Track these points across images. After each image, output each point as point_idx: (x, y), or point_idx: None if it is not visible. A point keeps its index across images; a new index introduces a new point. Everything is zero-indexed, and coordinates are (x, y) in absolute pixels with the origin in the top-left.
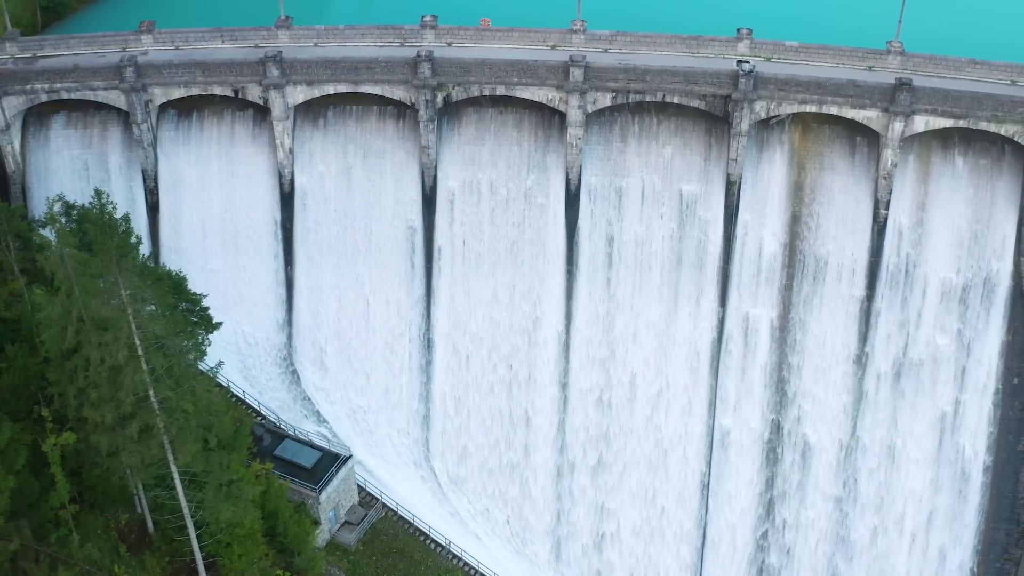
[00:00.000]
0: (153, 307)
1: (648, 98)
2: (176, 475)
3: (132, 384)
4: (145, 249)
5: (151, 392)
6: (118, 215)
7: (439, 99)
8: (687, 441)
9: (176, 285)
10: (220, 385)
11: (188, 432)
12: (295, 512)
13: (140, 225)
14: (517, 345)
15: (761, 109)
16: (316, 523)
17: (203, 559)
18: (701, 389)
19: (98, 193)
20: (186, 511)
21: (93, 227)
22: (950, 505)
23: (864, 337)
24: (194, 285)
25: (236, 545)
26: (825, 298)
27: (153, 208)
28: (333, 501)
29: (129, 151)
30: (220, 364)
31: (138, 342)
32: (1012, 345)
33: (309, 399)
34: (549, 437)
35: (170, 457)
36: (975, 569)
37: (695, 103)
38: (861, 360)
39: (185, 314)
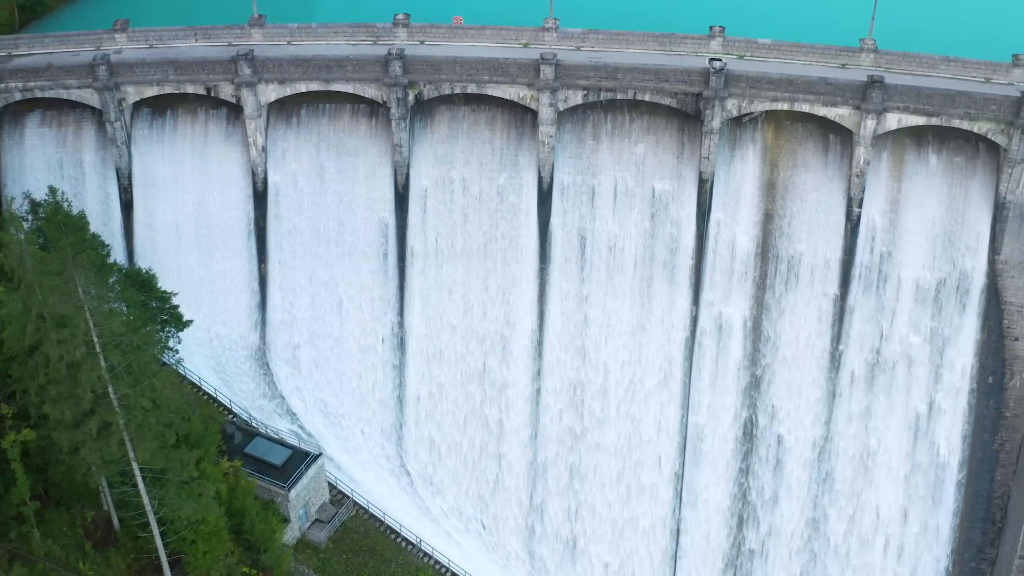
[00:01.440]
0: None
1: (619, 96)
2: (137, 472)
3: (90, 381)
4: (119, 247)
5: (110, 389)
6: (90, 213)
7: (411, 97)
8: (661, 439)
9: (145, 283)
10: (192, 383)
11: (147, 429)
12: (262, 510)
13: (114, 223)
14: (490, 343)
15: (733, 107)
16: (286, 521)
17: (168, 556)
18: (674, 388)
19: (52, 191)
20: (148, 508)
21: (47, 224)
22: (925, 504)
23: (838, 336)
24: (168, 283)
25: (201, 542)
26: (798, 297)
27: (127, 206)
28: (303, 499)
29: (103, 150)
30: (179, 360)
31: (96, 339)
32: (987, 344)
33: (282, 397)
34: (522, 435)
35: (131, 454)
36: (950, 568)
37: (666, 101)
38: (835, 359)
39: (153, 311)
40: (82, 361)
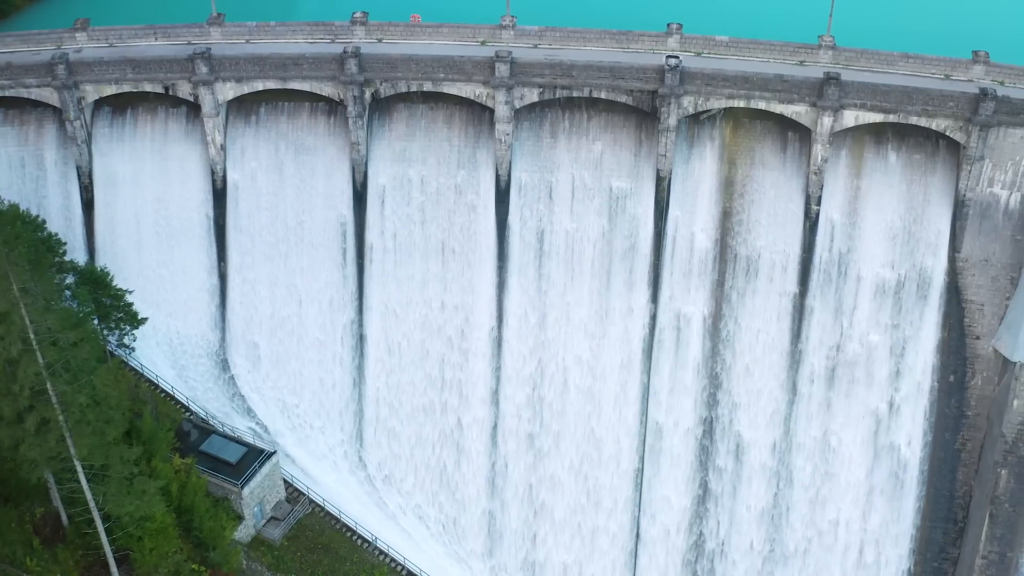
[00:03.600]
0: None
1: (575, 93)
2: (79, 468)
3: (27, 378)
4: (80, 245)
5: (48, 385)
6: (52, 211)
7: (367, 95)
8: (620, 438)
9: (98, 280)
10: (149, 380)
11: (85, 425)
12: (212, 507)
13: (75, 222)
14: (449, 341)
15: (689, 104)
16: (240, 518)
17: (116, 552)
18: (634, 386)
19: None
20: (92, 505)
21: None
22: (886, 504)
23: (797, 334)
24: (129, 281)
25: (147, 539)
26: (757, 294)
27: (88, 205)
28: (257, 496)
29: (64, 148)
30: (113, 356)
31: (32, 336)
32: (948, 342)
33: (242, 395)
34: (482, 432)
35: (71, 450)
36: (912, 568)
37: (622, 98)
38: (795, 357)
39: (107, 308)
40: (19, 358)
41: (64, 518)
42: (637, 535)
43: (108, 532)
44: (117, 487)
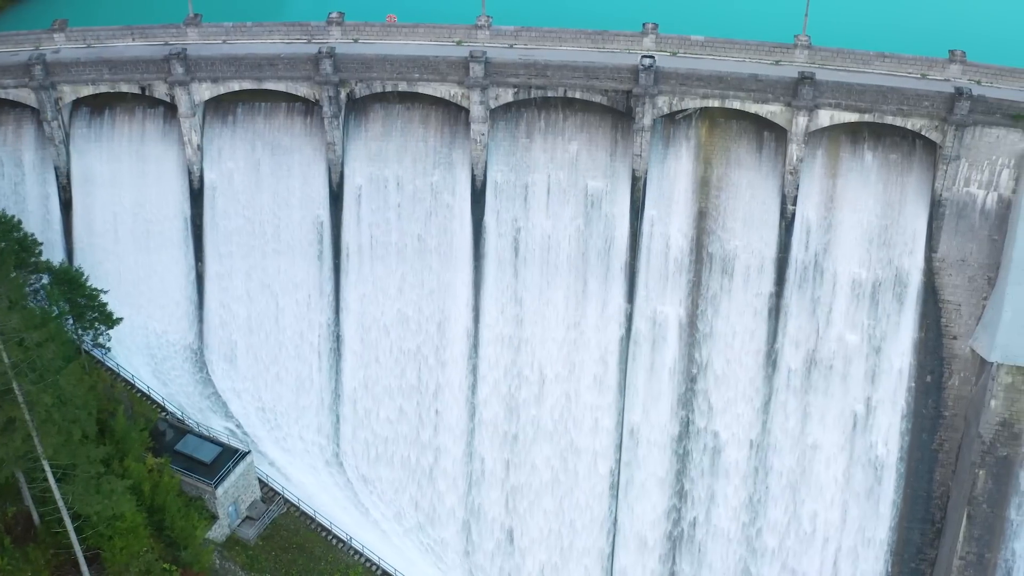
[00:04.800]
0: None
1: (550, 93)
2: (47, 467)
3: None
4: (59, 246)
5: (14, 385)
6: (31, 212)
7: (342, 95)
8: (597, 438)
9: (73, 280)
10: (125, 380)
11: (51, 424)
12: (184, 506)
13: (54, 222)
14: (426, 341)
15: (664, 104)
16: (215, 517)
17: (86, 551)
18: (610, 385)
19: None
20: (61, 504)
21: None
22: (863, 505)
23: (774, 334)
24: (107, 281)
25: (118, 538)
26: (733, 295)
27: (66, 205)
28: (232, 496)
29: (43, 149)
30: (89, 355)
31: None
32: (925, 342)
33: (219, 395)
34: (458, 433)
35: (39, 450)
36: (889, 569)
37: (597, 98)
38: (771, 357)
39: (81, 308)
40: None
41: (36, 517)
42: (614, 535)
43: (78, 531)
44: (84, 486)
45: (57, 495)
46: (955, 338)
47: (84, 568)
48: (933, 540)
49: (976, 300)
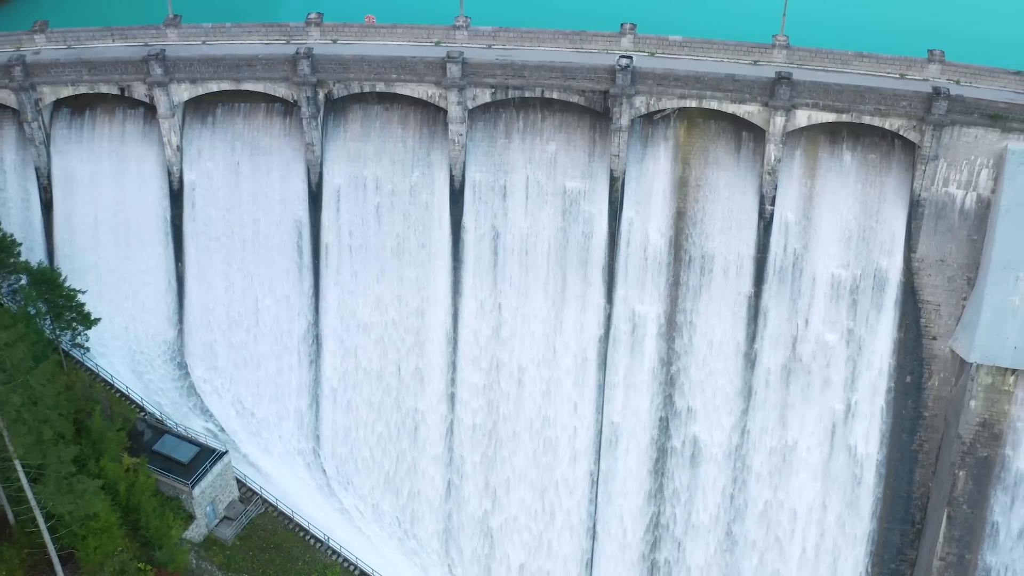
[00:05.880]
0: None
1: (527, 94)
2: (19, 467)
3: None
4: (40, 246)
5: None
6: (11, 212)
7: (320, 96)
8: (576, 438)
9: (50, 280)
10: (104, 380)
11: (21, 425)
12: (159, 506)
13: (35, 222)
14: (405, 341)
15: (641, 104)
16: (192, 517)
17: (61, 551)
18: (589, 386)
19: None
20: (34, 503)
21: None
22: (843, 505)
23: (753, 334)
24: (87, 281)
25: (91, 538)
26: (712, 294)
27: (47, 206)
28: (209, 496)
29: (23, 149)
30: (60, 354)
31: None
32: (904, 343)
33: (198, 395)
34: (438, 432)
35: (10, 449)
36: (869, 570)
37: (575, 99)
38: (750, 357)
39: (59, 308)
40: None
41: (10, 517)
42: (593, 534)
43: (52, 531)
44: (56, 486)
45: (30, 495)
46: (935, 338)
47: (58, 567)
48: (913, 541)
49: (956, 300)
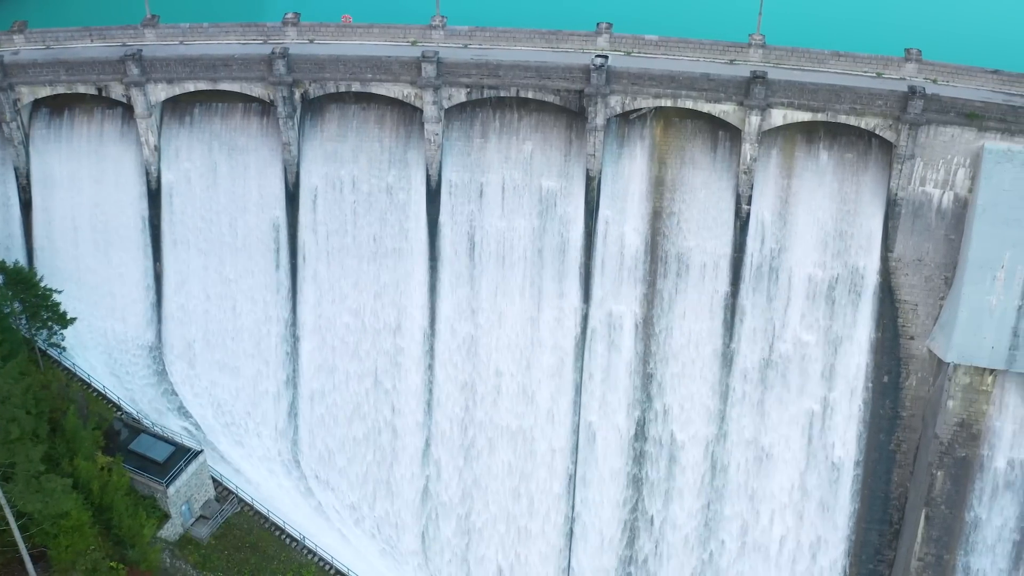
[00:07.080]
0: None
1: (503, 93)
2: None
3: None
4: (19, 246)
5: None
6: None
7: (296, 96)
8: (553, 438)
9: (25, 280)
10: (81, 380)
11: None
12: (132, 505)
13: (14, 223)
14: (383, 341)
15: (616, 103)
16: (167, 516)
17: (33, 549)
18: (566, 386)
19: None
20: (3, 502)
21: None
22: (821, 505)
23: (729, 334)
24: (66, 281)
25: (63, 536)
26: (689, 294)
27: (26, 206)
28: (184, 495)
29: (2, 149)
30: (36, 353)
31: None
32: (881, 342)
33: (176, 394)
34: (415, 432)
35: None
36: (847, 570)
37: (550, 98)
38: (727, 357)
39: (34, 308)
40: None
41: None
42: (570, 535)
43: (24, 529)
44: (24, 485)
45: (0, 494)
46: (912, 338)
47: (30, 566)
48: (891, 541)
49: (933, 300)
